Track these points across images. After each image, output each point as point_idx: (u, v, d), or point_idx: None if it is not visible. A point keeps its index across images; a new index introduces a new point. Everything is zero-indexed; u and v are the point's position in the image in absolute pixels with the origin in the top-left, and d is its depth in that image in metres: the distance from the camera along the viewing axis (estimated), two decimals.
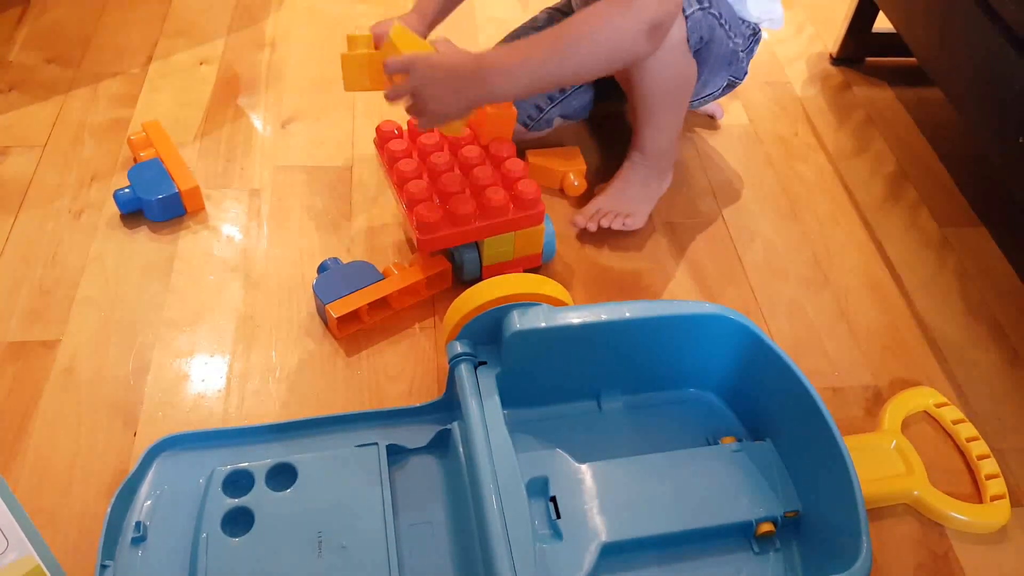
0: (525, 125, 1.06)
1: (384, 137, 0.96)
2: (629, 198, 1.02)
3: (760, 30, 1.02)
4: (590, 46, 0.83)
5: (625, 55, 0.86)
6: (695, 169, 1.13)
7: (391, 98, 0.84)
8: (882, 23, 1.26)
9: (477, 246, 0.91)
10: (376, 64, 0.87)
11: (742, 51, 1.01)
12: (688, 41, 0.92)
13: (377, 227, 1.01)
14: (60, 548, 0.69)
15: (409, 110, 0.85)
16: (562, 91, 1.05)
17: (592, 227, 1.00)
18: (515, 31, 1.11)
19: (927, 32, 1.10)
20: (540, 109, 1.05)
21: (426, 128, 0.89)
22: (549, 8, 1.13)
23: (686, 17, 0.91)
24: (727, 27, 0.96)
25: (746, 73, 1.05)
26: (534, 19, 1.12)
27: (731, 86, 1.05)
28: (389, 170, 0.93)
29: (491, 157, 0.93)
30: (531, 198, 0.88)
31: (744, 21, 0.99)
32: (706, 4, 0.92)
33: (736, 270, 1.00)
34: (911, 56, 1.18)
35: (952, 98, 1.06)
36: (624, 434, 0.80)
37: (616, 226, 1.00)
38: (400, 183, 0.90)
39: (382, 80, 0.88)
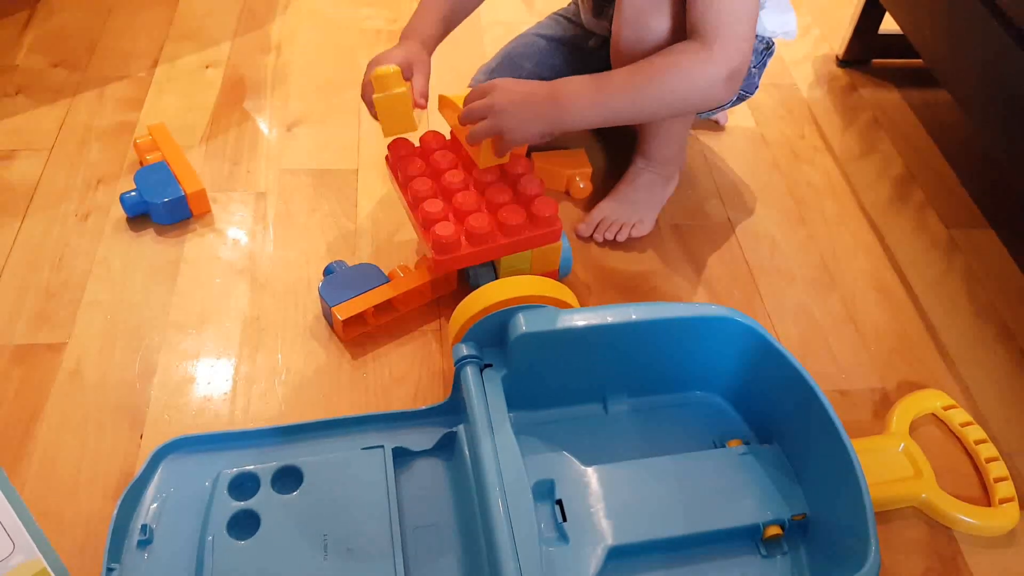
0: None
1: (396, 154, 0.94)
2: (635, 204, 1.02)
3: (773, 43, 0.99)
4: (668, 92, 0.83)
5: (702, 102, 0.87)
6: (701, 171, 1.13)
7: (472, 140, 0.85)
8: (888, 25, 1.26)
9: (493, 264, 0.90)
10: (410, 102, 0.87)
11: (754, 67, 0.98)
12: None
13: (383, 230, 1.01)
14: (66, 551, 0.69)
15: (477, 134, 0.84)
16: None
17: (598, 239, 1.00)
18: (520, 35, 1.10)
19: (934, 33, 1.10)
20: None
21: (504, 153, 0.88)
22: (555, 14, 1.12)
23: None
24: None
25: (757, 87, 1.02)
26: (540, 24, 1.11)
27: (741, 99, 1.02)
28: (403, 189, 0.92)
29: (506, 175, 0.91)
30: (548, 215, 0.87)
31: (758, 36, 0.96)
32: None
33: (742, 272, 1.00)
34: (918, 58, 1.18)
35: (959, 99, 1.06)
36: (630, 437, 0.80)
37: (622, 238, 1.00)
38: (415, 203, 0.89)
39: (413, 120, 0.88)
